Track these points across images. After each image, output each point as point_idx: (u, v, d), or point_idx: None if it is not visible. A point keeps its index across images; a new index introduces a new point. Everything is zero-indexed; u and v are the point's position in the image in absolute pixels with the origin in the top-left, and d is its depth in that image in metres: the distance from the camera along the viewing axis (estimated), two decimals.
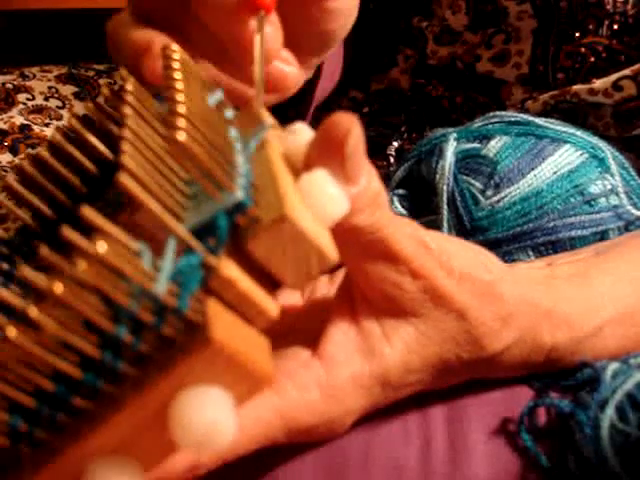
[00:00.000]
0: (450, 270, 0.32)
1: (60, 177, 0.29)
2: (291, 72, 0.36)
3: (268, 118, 0.30)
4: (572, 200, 0.46)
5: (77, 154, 0.29)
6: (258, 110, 0.31)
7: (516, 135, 0.48)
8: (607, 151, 0.48)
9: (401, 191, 0.51)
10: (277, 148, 0.28)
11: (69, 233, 0.20)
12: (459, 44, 0.60)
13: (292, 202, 0.24)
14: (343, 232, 0.29)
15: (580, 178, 0.46)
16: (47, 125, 0.69)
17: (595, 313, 0.37)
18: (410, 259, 0.31)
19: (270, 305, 0.25)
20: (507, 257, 0.45)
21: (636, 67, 0.52)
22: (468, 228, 0.46)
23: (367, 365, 0.32)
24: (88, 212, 0.20)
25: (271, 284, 0.25)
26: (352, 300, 0.33)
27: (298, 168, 0.28)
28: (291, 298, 0.38)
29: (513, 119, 0.50)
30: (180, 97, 0.25)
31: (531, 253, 0.46)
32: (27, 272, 0.20)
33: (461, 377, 0.36)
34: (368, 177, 0.28)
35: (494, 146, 0.48)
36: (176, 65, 0.28)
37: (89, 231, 0.21)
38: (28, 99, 0.70)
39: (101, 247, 0.20)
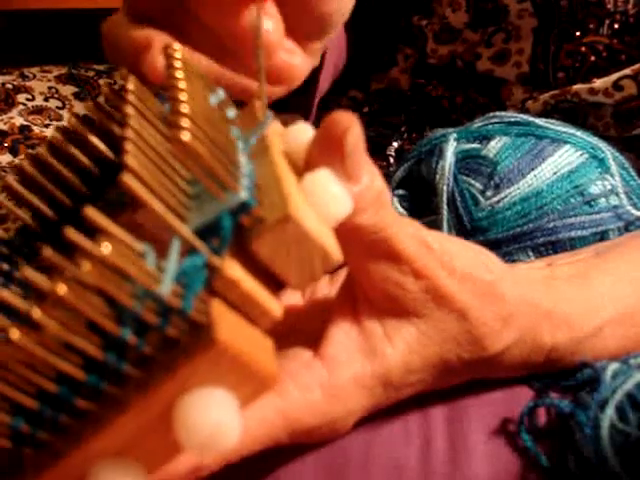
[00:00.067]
0: (452, 270, 0.32)
1: (60, 177, 0.29)
2: (297, 62, 0.36)
3: (269, 115, 0.30)
4: (572, 200, 0.46)
5: (77, 154, 0.29)
6: (260, 105, 0.31)
7: (516, 135, 0.48)
8: (607, 151, 0.48)
9: (401, 191, 0.51)
10: (279, 147, 0.28)
11: (73, 234, 0.20)
12: (459, 42, 0.60)
13: (296, 202, 0.24)
14: (346, 231, 0.29)
15: (580, 178, 0.46)
16: (47, 126, 0.68)
17: (595, 313, 0.37)
18: (413, 259, 0.31)
19: (274, 305, 0.25)
20: (507, 257, 0.45)
21: (637, 67, 0.52)
22: (468, 228, 0.46)
23: (369, 365, 0.32)
24: (91, 213, 0.20)
25: (275, 284, 0.25)
26: (353, 300, 0.33)
27: (300, 167, 0.28)
28: (292, 299, 0.38)
29: (513, 119, 0.50)
30: (183, 96, 0.25)
31: (531, 254, 0.46)
32: (30, 273, 0.20)
33: (462, 377, 0.36)
34: (370, 176, 0.28)
35: (494, 146, 0.48)
36: (178, 64, 0.27)
37: (91, 232, 0.21)
38: (28, 99, 0.70)
39: (105, 248, 0.20)
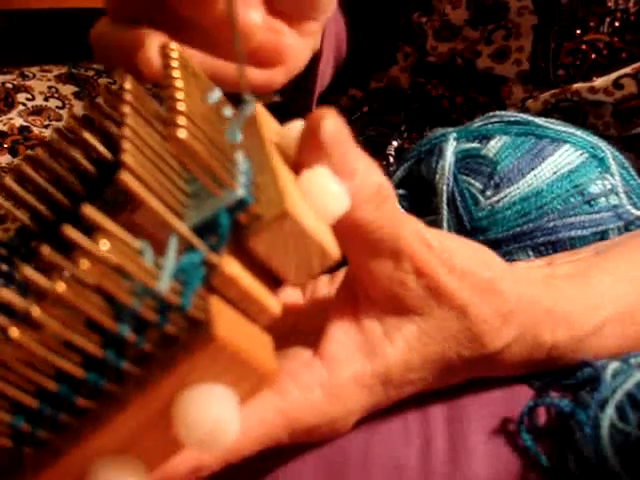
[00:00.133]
0: (452, 267, 0.32)
1: (58, 177, 0.29)
2: (288, 42, 0.36)
3: (251, 98, 0.30)
4: (572, 200, 0.46)
5: (75, 154, 0.29)
6: (243, 89, 0.31)
7: (516, 135, 0.48)
8: (607, 151, 0.48)
9: (401, 191, 0.51)
10: (273, 144, 0.28)
11: (71, 232, 0.20)
12: (459, 40, 0.59)
13: (293, 199, 0.24)
14: (348, 228, 0.29)
15: (580, 178, 0.46)
16: (46, 127, 0.68)
17: (595, 312, 0.37)
18: (415, 256, 0.31)
19: (272, 302, 0.25)
20: (507, 257, 0.45)
21: (637, 65, 0.52)
22: (468, 228, 0.46)
23: (368, 364, 0.32)
24: (89, 211, 0.20)
25: (273, 281, 0.25)
26: (353, 299, 0.33)
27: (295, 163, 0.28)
28: (292, 298, 0.38)
29: (513, 119, 0.50)
30: (180, 95, 0.25)
31: (531, 253, 0.46)
32: (29, 272, 0.20)
33: (462, 376, 0.36)
34: (366, 170, 0.28)
35: (494, 146, 0.48)
36: (175, 64, 0.27)
37: (89, 231, 0.21)
38: (28, 99, 0.70)
39: (104, 245, 0.20)
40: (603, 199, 0.46)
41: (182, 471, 0.27)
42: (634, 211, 0.47)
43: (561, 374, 0.38)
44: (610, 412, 0.34)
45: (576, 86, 0.54)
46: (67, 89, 0.73)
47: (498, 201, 0.46)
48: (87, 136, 0.29)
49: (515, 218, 0.46)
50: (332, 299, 0.35)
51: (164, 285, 0.22)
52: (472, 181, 0.47)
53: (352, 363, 0.32)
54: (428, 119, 0.62)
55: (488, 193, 0.47)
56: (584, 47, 0.54)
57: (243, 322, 0.24)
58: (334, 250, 0.25)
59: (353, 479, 0.34)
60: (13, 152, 0.66)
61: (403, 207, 0.50)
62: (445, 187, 0.47)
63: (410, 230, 0.31)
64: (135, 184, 0.22)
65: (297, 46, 0.38)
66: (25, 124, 0.68)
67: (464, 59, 0.60)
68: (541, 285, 0.37)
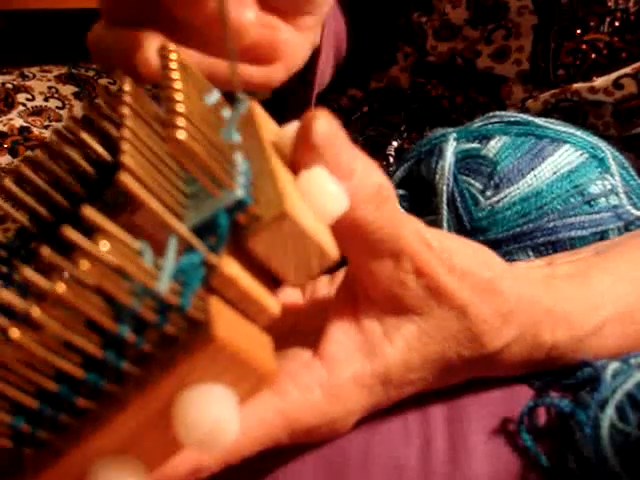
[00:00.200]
0: (452, 267, 0.32)
1: (57, 179, 0.29)
2: (284, 37, 0.36)
3: (247, 101, 0.30)
4: (572, 200, 0.46)
5: (74, 155, 0.29)
6: (236, 87, 0.31)
7: (516, 135, 0.48)
8: (607, 151, 0.48)
9: (401, 191, 0.51)
10: (272, 145, 0.28)
11: (70, 233, 0.20)
12: (459, 39, 0.59)
13: (292, 199, 0.24)
14: (348, 228, 0.29)
15: (580, 178, 0.46)
16: (46, 127, 0.68)
17: (595, 312, 0.37)
18: (415, 256, 0.31)
19: (271, 303, 0.25)
20: (507, 257, 0.45)
21: (637, 65, 0.52)
22: (468, 228, 0.46)
23: (368, 364, 0.32)
24: (89, 212, 0.21)
25: (272, 282, 0.26)
26: (352, 299, 0.33)
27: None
28: (292, 299, 0.38)
29: (513, 119, 0.50)
30: (179, 96, 0.25)
31: (531, 253, 0.46)
32: (29, 273, 0.20)
33: (462, 376, 0.36)
34: (365, 171, 0.28)
35: (494, 146, 0.48)
36: (173, 65, 0.28)
37: (88, 232, 0.21)
38: (28, 99, 0.70)
39: (104, 246, 0.20)
40: (603, 199, 0.46)
41: (182, 472, 0.27)
42: (634, 211, 0.47)
43: (561, 374, 0.38)
44: (610, 412, 0.34)
45: (576, 86, 0.54)
46: (67, 89, 0.73)
47: (498, 201, 0.46)
48: (86, 138, 0.29)
49: (515, 218, 0.46)
50: (332, 299, 0.35)
51: (164, 285, 0.22)
52: (472, 181, 0.47)
53: (352, 363, 0.32)
54: (428, 119, 0.62)
55: (488, 193, 0.47)
56: (584, 47, 0.54)
57: (242, 322, 0.24)
58: (333, 250, 0.26)
59: (353, 479, 0.34)
60: (13, 153, 0.66)
61: (403, 207, 0.50)
62: (445, 187, 0.47)
63: (410, 230, 0.31)
64: (135, 185, 0.22)
65: (294, 41, 0.38)
66: (25, 125, 0.68)
67: (464, 59, 0.60)
68: (541, 285, 0.37)
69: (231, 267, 0.23)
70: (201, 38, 0.34)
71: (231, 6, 0.31)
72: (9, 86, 0.71)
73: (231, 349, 0.22)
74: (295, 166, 0.27)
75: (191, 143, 0.23)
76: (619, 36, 0.53)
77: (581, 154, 0.47)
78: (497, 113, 0.51)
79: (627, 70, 0.52)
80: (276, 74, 0.38)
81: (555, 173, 0.46)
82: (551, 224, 0.45)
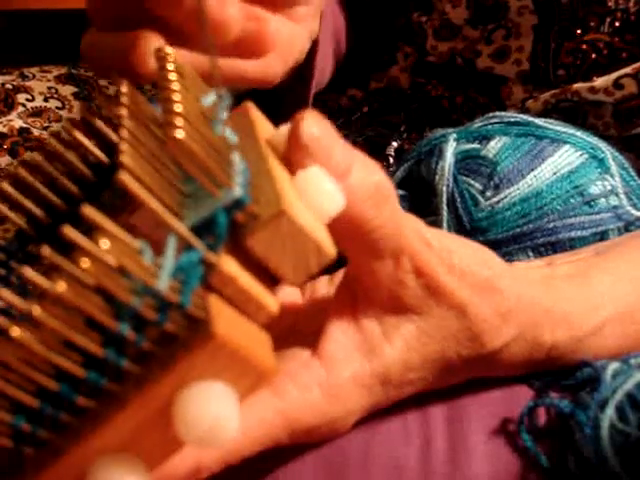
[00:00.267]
0: (451, 267, 0.32)
1: (55, 181, 0.29)
2: (273, 28, 0.36)
3: (224, 92, 0.30)
4: (572, 201, 0.46)
5: (71, 158, 0.29)
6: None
7: (516, 136, 0.48)
8: (607, 151, 0.48)
9: (401, 192, 0.51)
10: (268, 145, 0.28)
11: (71, 232, 0.20)
12: (459, 39, 0.60)
13: (289, 198, 0.25)
14: (348, 227, 0.29)
15: (580, 179, 0.46)
16: (46, 128, 0.68)
17: (595, 312, 0.37)
18: (415, 255, 0.31)
19: (270, 301, 0.25)
20: (507, 258, 0.45)
21: (637, 65, 0.52)
22: (468, 229, 0.46)
23: (367, 364, 0.32)
24: (89, 211, 0.21)
25: (270, 280, 0.26)
26: (352, 299, 0.33)
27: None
28: (291, 299, 0.38)
29: (513, 119, 0.50)
30: (176, 97, 0.25)
31: (531, 254, 0.46)
32: (29, 272, 0.20)
33: (461, 376, 0.36)
34: (363, 170, 0.28)
35: (494, 147, 0.48)
36: (170, 66, 0.28)
37: (87, 233, 0.21)
38: (28, 100, 0.70)
39: (104, 244, 0.20)
40: (603, 200, 0.46)
41: (181, 472, 0.27)
42: (634, 212, 0.47)
43: (561, 374, 0.38)
44: (610, 413, 0.34)
45: (576, 86, 0.54)
46: (67, 89, 0.73)
47: (498, 202, 0.46)
48: (83, 140, 0.29)
49: (515, 219, 0.46)
50: (331, 299, 0.35)
51: (164, 283, 0.22)
52: (472, 182, 0.47)
53: (351, 363, 0.32)
54: (428, 119, 0.62)
55: (488, 194, 0.47)
56: (584, 47, 0.54)
57: (242, 320, 0.24)
58: (331, 249, 0.26)
59: (353, 479, 0.34)
60: (13, 154, 0.66)
61: (403, 208, 0.50)
62: (445, 188, 0.47)
63: (410, 229, 0.31)
64: (134, 184, 0.22)
65: (288, 32, 0.38)
66: (25, 126, 0.68)
67: (464, 59, 0.60)
68: (541, 285, 0.37)
69: (230, 265, 0.24)
70: (188, 37, 0.34)
71: (211, 3, 0.31)
72: (9, 86, 0.71)
73: (231, 346, 0.22)
74: (290, 166, 0.27)
75: (189, 142, 0.23)
76: (619, 36, 0.53)
77: (581, 155, 0.47)
78: (497, 113, 0.51)
79: (627, 70, 0.52)
80: (273, 67, 0.38)
81: (555, 174, 0.46)
82: (551, 225, 0.45)
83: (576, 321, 0.36)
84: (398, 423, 0.36)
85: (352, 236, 0.29)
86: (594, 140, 0.49)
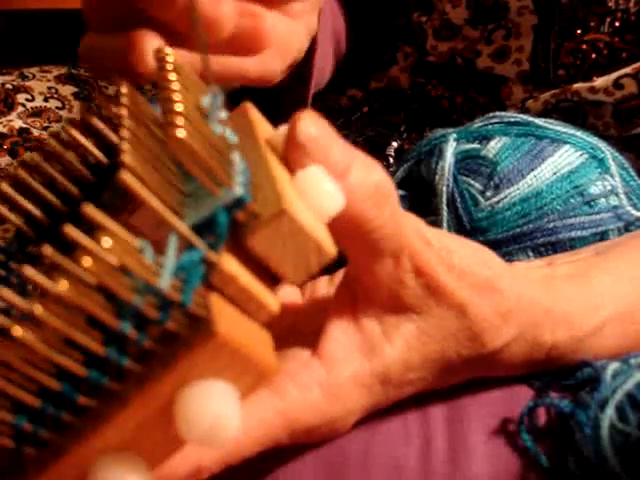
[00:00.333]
0: (451, 266, 0.32)
1: (54, 182, 0.29)
2: (269, 25, 0.36)
3: (220, 93, 0.30)
4: (572, 201, 0.46)
5: (71, 158, 0.29)
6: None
7: (516, 136, 0.48)
8: (607, 152, 0.48)
9: (401, 192, 0.51)
10: (268, 145, 0.28)
11: (72, 231, 0.20)
12: (459, 39, 0.60)
13: (290, 197, 0.25)
14: (349, 227, 0.29)
15: (580, 179, 0.46)
16: (46, 128, 0.69)
17: (595, 312, 0.37)
18: (415, 255, 0.31)
19: (270, 300, 0.25)
20: (507, 258, 0.45)
21: (637, 65, 0.52)
22: (468, 229, 0.46)
23: (367, 363, 0.32)
24: (90, 210, 0.21)
25: (271, 279, 0.26)
26: (352, 298, 0.33)
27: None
28: (291, 299, 0.38)
29: (513, 119, 0.50)
30: (177, 97, 0.25)
31: (531, 254, 0.46)
32: (30, 272, 0.20)
33: (461, 376, 0.36)
34: (362, 169, 0.28)
35: (494, 147, 0.48)
36: (170, 67, 0.28)
37: (88, 233, 0.21)
38: (27, 100, 0.70)
39: (106, 243, 0.21)
40: (603, 200, 0.46)
41: (181, 473, 0.27)
42: (634, 212, 0.47)
43: (561, 374, 0.38)
44: (610, 412, 0.34)
45: (576, 86, 0.54)
46: (67, 89, 0.73)
47: (498, 202, 0.46)
48: (83, 140, 0.29)
49: (515, 219, 0.46)
50: (331, 299, 0.35)
51: (166, 282, 0.22)
52: (472, 182, 0.47)
53: (351, 362, 0.32)
54: (428, 119, 0.62)
55: (488, 194, 0.47)
56: (584, 47, 0.54)
57: (243, 319, 0.24)
58: (331, 248, 0.26)
59: (353, 479, 0.34)
60: (12, 154, 0.66)
61: (403, 208, 0.50)
62: (445, 188, 0.47)
63: (411, 228, 0.31)
64: (135, 183, 0.22)
65: (285, 29, 0.38)
66: (25, 126, 0.68)
67: (464, 59, 0.60)
68: (541, 285, 0.37)
69: (230, 265, 0.24)
70: (184, 37, 0.34)
71: (204, 1, 0.31)
72: (9, 86, 0.71)
73: (232, 344, 0.23)
74: (289, 166, 0.27)
75: (191, 141, 0.23)
76: (619, 36, 0.53)
77: (581, 155, 0.47)
78: (497, 113, 0.51)
79: (627, 70, 0.52)
80: (272, 64, 0.38)
81: (555, 174, 0.46)
82: (551, 225, 0.45)
83: (576, 321, 0.36)
84: (398, 423, 0.36)
85: (352, 236, 0.29)
86: (594, 140, 0.49)
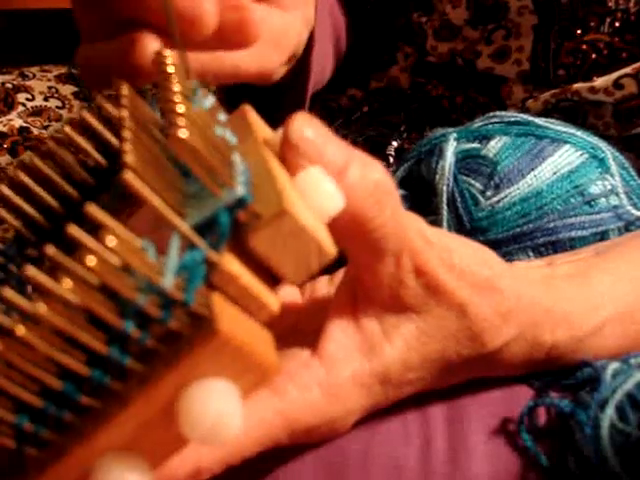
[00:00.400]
0: (451, 266, 0.32)
1: (53, 184, 0.29)
2: (257, 16, 0.35)
3: (205, 90, 0.30)
4: (572, 200, 0.46)
5: (70, 160, 0.29)
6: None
7: (516, 135, 0.48)
8: (607, 151, 0.48)
9: (401, 191, 0.51)
10: (267, 146, 0.28)
11: (75, 231, 0.20)
12: (459, 40, 0.60)
13: (291, 198, 0.25)
14: (349, 227, 0.29)
15: (580, 178, 0.46)
16: (46, 127, 0.69)
17: (595, 312, 0.37)
18: (416, 254, 0.31)
19: (271, 300, 0.25)
20: (507, 257, 0.45)
21: (637, 65, 0.52)
22: (468, 229, 0.46)
23: (367, 363, 0.32)
24: (93, 209, 0.21)
25: (272, 279, 0.26)
26: (352, 298, 0.33)
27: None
28: (291, 299, 0.38)
29: (513, 119, 0.50)
30: (177, 98, 0.25)
31: (531, 254, 0.46)
32: (32, 272, 0.20)
33: (461, 376, 0.36)
34: (361, 169, 0.28)
35: (494, 146, 0.48)
36: (170, 69, 0.28)
37: (89, 233, 0.21)
38: (28, 99, 0.70)
39: (111, 242, 0.21)
40: (603, 200, 0.46)
41: (182, 474, 0.27)
42: (634, 212, 0.47)
43: (561, 374, 0.38)
44: (610, 412, 0.34)
45: (576, 86, 0.54)
46: (67, 89, 0.73)
47: (498, 201, 0.46)
48: (82, 142, 0.29)
49: (515, 219, 0.46)
50: (331, 299, 0.35)
51: (168, 281, 0.22)
52: (472, 181, 0.47)
53: (351, 362, 0.32)
54: (428, 119, 0.62)
55: (488, 193, 0.47)
56: (584, 47, 0.54)
57: (244, 318, 0.24)
58: (331, 248, 0.26)
59: (353, 479, 0.34)
60: (13, 153, 0.66)
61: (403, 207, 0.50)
62: (445, 187, 0.47)
63: (411, 228, 0.31)
64: (138, 183, 0.22)
65: (278, 21, 0.38)
66: (25, 125, 0.68)
67: (464, 59, 0.60)
68: (541, 285, 0.37)
69: (232, 264, 0.24)
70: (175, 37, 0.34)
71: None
72: (9, 86, 0.71)
73: (234, 343, 0.23)
74: (288, 167, 0.27)
75: (192, 141, 0.23)
76: (619, 36, 0.53)
77: (581, 154, 0.47)
78: (497, 113, 0.51)
79: (627, 70, 0.52)
80: (268, 57, 0.38)
81: (555, 173, 0.46)
82: (551, 224, 0.45)
83: (576, 321, 0.36)
84: (398, 423, 0.36)
85: (353, 235, 0.29)
86: (594, 140, 0.49)
